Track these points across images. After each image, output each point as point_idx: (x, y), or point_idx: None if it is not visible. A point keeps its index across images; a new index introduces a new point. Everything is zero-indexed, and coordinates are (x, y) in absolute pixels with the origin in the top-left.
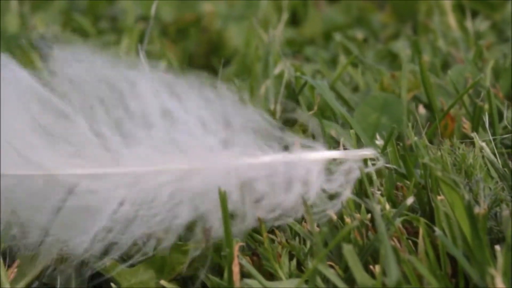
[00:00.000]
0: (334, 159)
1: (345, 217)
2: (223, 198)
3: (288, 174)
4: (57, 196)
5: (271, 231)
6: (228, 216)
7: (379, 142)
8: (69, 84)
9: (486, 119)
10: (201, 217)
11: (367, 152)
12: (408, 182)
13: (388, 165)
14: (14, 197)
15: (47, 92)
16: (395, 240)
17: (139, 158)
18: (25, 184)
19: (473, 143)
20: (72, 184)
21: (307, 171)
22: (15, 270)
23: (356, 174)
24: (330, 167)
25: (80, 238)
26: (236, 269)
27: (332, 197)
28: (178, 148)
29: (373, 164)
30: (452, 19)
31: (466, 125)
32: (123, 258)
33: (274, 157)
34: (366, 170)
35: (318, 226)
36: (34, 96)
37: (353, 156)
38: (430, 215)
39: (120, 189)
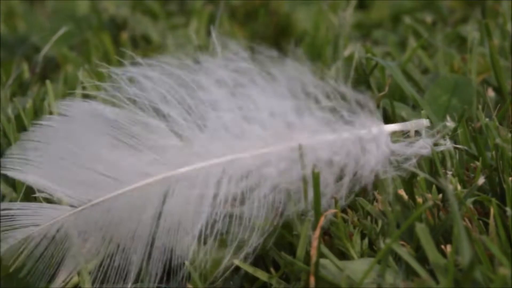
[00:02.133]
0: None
1: (416, 196)
2: (316, 177)
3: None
4: (154, 204)
5: (343, 210)
6: (319, 193)
7: (450, 123)
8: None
9: None
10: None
11: (422, 121)
12: (478, 163)
13: (458, 146)
14: (111, 222)
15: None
16: (467, 220)
17: (224, 146)
18: (119, 204)
19: None
20: (166, 185)
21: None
22: None
23: (426, 151)
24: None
25: (187, 240)
26: (315, 243)
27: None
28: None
29: (444, 144)
30: None
31: None
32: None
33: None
34: (438, 149)
35: (390, 205)
36: (107, 121)
37: (409, 127)
38: (501, 196)
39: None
